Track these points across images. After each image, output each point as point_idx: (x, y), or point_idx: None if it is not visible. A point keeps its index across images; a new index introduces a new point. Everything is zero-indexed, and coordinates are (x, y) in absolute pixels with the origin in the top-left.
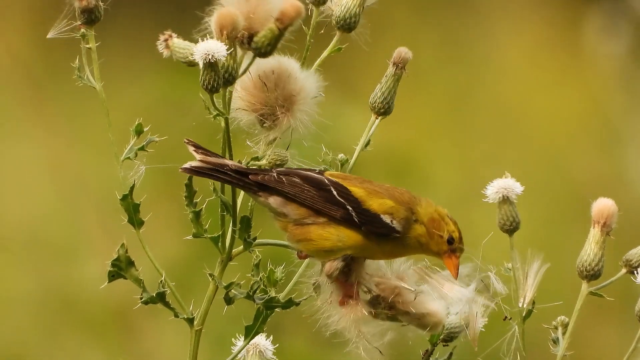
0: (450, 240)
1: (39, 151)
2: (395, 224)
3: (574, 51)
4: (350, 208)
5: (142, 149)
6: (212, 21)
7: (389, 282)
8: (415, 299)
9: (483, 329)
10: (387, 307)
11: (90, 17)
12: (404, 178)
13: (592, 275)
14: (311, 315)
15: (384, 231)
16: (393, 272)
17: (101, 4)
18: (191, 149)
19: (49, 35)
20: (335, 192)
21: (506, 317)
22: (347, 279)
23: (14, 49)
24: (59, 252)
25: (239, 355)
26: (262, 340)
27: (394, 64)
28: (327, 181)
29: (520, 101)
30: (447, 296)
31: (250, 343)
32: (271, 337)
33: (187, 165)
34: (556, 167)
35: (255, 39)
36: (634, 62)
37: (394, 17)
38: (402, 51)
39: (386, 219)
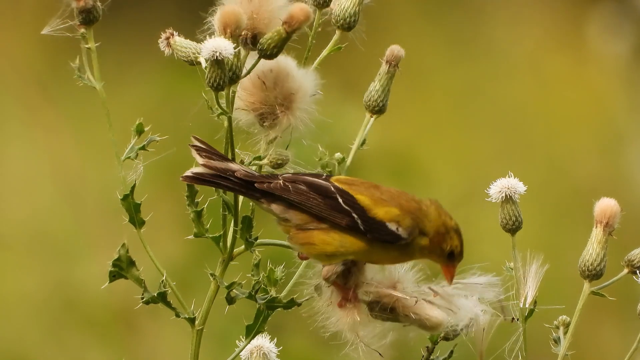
0: (451, 255)
1: (41, 151)
2: (401, 232)
3: (578, 51)
4: (355, 216)
5: (142, 148)
6: (216, 19)
7: (385, 292)
8: (415, 303)
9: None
10: (388, 310)
11: (88, 17)
12: (405, 177)
13: (594, 275)
14: (311, 316)
15: (389, 238)
16: (394, 277)
17: (99, 4)
18: (194, 152)
19: (43, 32)
20: (341, 200)
21: (513, 318)
22: (346, 282)
23: (16, 50)
24: (61, 252)
25: (242, 356)
26: (266, 343)
27: (387, 62)
28: (333, 188)
29: (523, 101)
30: (454, 312)
31: (254, 345)
32: (275, 340)
33: (188, 172)
34: (558, 167)
35: (261, 40)
36: (637, 62)
37: (397, 17)
38: (395, 49)
39: (392, 226)
